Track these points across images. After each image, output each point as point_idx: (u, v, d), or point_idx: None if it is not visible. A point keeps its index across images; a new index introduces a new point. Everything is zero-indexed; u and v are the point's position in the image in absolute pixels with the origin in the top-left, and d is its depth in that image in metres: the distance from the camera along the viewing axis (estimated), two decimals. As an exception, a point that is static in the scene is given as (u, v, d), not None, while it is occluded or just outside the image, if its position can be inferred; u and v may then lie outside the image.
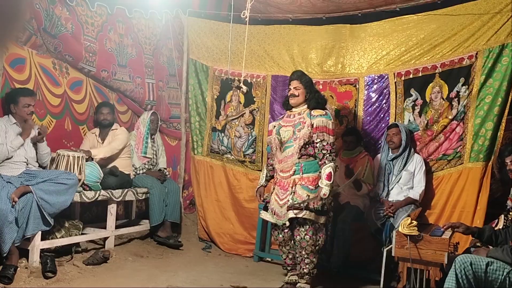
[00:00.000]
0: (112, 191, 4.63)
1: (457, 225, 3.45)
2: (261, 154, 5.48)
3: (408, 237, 3.40)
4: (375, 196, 4.71)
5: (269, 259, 5.14)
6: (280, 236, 4.12)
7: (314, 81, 4.50)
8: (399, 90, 4.87)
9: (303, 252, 3.93)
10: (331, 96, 5.20)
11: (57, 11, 4.44)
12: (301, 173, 3.95)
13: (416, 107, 4.80)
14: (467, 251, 3.34)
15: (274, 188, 4.14)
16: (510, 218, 3.52)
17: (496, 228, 3.45)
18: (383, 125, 4.96)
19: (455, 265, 2.97)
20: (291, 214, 3.87)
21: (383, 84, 4.97)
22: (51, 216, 3.89)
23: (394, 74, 4.90)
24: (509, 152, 3.78)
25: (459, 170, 4.54)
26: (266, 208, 4.18)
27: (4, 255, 3.63)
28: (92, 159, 4.61)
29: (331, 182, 3.85)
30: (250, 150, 5.60)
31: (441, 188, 4.63)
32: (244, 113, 5.67)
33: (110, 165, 4.84)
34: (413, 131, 4.78)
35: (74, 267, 4.09)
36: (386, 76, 4.94)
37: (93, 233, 4.62)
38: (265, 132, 5.38)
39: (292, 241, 4.07)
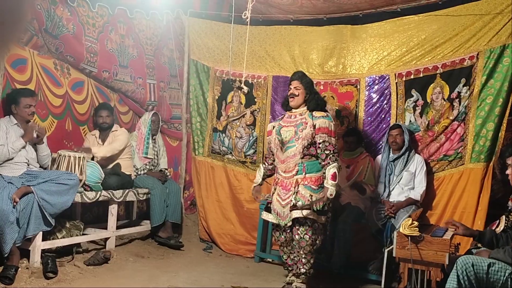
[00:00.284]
0: (113, 191, 4.63)
1: (456, 225, 3.44)
2: (262, 155, 5.48)
3: (409, 237, 3.40)
4: (376, 197, 4.70)
5: (270, 260, 5.14)
6: (282, 237, 4.10)
7: (315, 82, 4.51)
8: (400, 90, 4.87)
9: (301, 252, 3.93)
10: (332, 96, 5.20)
11: (59, 12, 4.45)
12: (304, 173, 3.95)
13: (417, 108, 4.80)
14: (469, 253, 3.34)
15: (275, 189, 4.12)
16: (511, 219, 3.51)
17: (497, 230, 3.44)
18: (384, 125, 4.96)
19: (456, 266, 2.97)
20: (295, 214, 3.87)
21: (384, 85, 4.96)
22: (52, 216, 3.89)
23: (395, 74, 4.90)
24: (510, 153, 3.77)
25: (460, 171, 4.53)
26: (268, 209, 4.16)
27: (5, 255, 3.63)
28: (93, 157, 4.61)
29: (336, 182, 3.87)
30: (251, 151, 5.60)
31: (442, 189, 4.62)
32: (245, 113, 5.67)
33: (111, 166, 4.85)
34: (414, 132, 4.77)
35: (75, 268, 4.09)
36: (387, 77, 4.94)
37: (94, 234, 4.63)
38: (266, 133, 5.38)
39: (293, 242, 4.05)
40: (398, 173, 4.61)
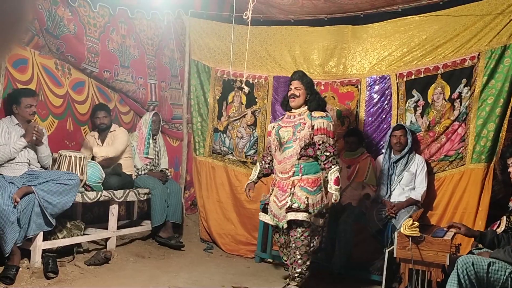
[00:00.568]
0: (114, 191, 4.63)
1: (458, 226, 3.44)
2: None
3: (409, 238, 3.40)
4: (377, 197, 4.70)
5: (271, 260, 5.14)
6: (282, 238, 4.06)
7: (315, 82, 4.51)
8: (401, 91, 4.87)
9: (297, 252, 3.87)
10: (332, 97, 5.20)
11: (60, 12, 4.45)
12: (300, 175, 3.90)
13: (418, 108, 4.80)
14: (470, 254, 3.34)
15: (272, 190, 4.09)
16: (512, 220, 3.51)
17: (498, 230, 3.44)
18: (384, 126, 4.96)
19: (457, 265, 2.97)
20: (290, 216, 3.81)
21: (385, 85, 4.96)
22: (53, 216, 3.89)
23: (396, 75, 4.89)
24: (511, 153, 3.77)
25: (461, 171, 4.53)
26: (265, 210, 4.12)
27: (6, 255, 3.63)
28: (93, 157, 4.61)
29: (339, 186, 3.84)
30: (252, 151, 5.60)
31: (443, 189, 4.62)
32: (246, 114, 5.67)
33: (112, 166, 4.85)
34: (415, 132, 4.77)
35: (75, 268, 4.09)
36: (388, 77, 4.94)
37: (95, 234, 4.63)
38: (267, 133, 5.38)
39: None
40: (399, 174, 4.61)
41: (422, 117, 4.77)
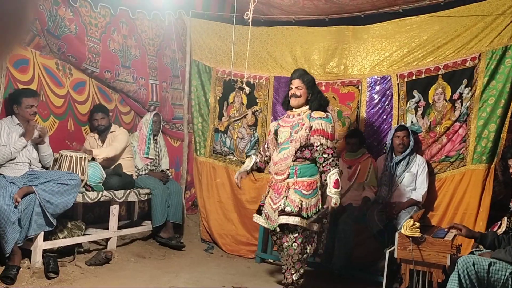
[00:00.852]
0: (115, 192, 4.64)
1: (459, 227, 3.44)
2: (264, 155, 5.48)
3: (410, 238, 3.40)
4: (378, 198, 4.70)
5: (271, 260, 5.14)
6: (279, 241, 3.91)
7: (316, 82, 4.49)
8: (401, 91, 4.87)
9: (290, 260, 3.70)
10: (333, 97, 5.20)
11: (61, 12, 4.45)
12: (295, 177, 3.73)
13: (418, 109, 4.79)
14: (471, 254, 3.33)
15: (268, 191, 3.97)
16: (513, 220, 3.51)
17: (499, 231, 3.44)
18: (385, 126, 4.96)
19: (457, 266, 2.97)
20: (282, 219, 3.66)
21: (386, 86, 4.96)
22: (53, 216, 3.89)
23: (397, 75, 4.89)
24: (512, 154, 3.77)
25: (461, 172, 4.52)
26: (260, 212, 3.99)
27: (7, 255, 3.63)
28: (94, 159, 4.61)
29: (339, 189, 3.64)
30: (253, 152, 5.59)
31: (444, 190, 4.62)
32: (247, 114, 5.67)
33: (113, 166, 4.85)
34: (416, 133, 4.77)
35: (76, 268, 4.09)
36: (389, 78, 4.94)
37: (96, 234, 4.63)
38: (268, 133, 5.38)
39: None
40: (399, 174, 4.60)
41: (423, 117, 4.77)
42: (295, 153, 3.73)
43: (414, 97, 4.81)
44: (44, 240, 3.96)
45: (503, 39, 4.34)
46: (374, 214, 4.45)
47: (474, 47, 4.50)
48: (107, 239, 4.70)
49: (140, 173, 5.26)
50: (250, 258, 5.28)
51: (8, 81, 4.08)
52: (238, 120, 5.72)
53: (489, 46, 4.41)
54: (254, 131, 5.61)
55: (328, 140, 3.71)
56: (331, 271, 4.52)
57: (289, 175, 3.76)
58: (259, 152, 4.19)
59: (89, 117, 4.94)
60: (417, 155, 4.64)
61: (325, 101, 3.97)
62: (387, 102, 4.97)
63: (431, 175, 4.65)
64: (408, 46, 4.84)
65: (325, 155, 3.67)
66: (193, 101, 5.96)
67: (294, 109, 3.95)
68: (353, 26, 5.15)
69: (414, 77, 4.81)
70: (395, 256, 3.51)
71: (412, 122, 4.82)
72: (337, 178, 3.63)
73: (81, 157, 4.25)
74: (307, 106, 3.88)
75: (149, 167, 5.35)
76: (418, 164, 4.58)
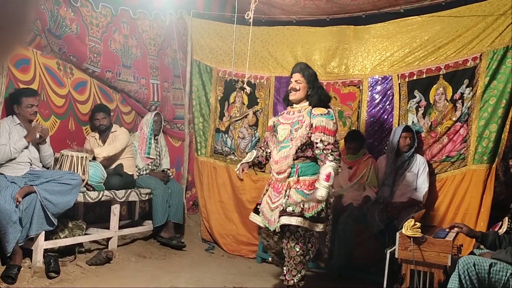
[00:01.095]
0: (116, 191, 4.64)
1: (460, 226, 3.44)
2: (265, 155, 5.48)
3: (411, 239, 3.39)
4: (379, 198, 4.70)
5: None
6: (265, 241, 3.80)
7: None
8: (402, 91, 4.87)
9: (291, 262, 3.55)
10: (334, 97, 5.19)
11: (62, 12, 4.46)
12: (296, 176, 3.58)
13: (419, 109, 4.79)
14: (471, 254, 3.33)
15: (267, 190, 3.81)
16: (514, 221, 3.50)
17: (500, 232, 3.44)
18: (386, 126, 4.95)
19: (458, 266, 2.97)
20: (284, 220, 3.47)
21: (387, 86, 4.96)
22: (54, 216, 3.90)
23: (398, 75, 4.89)
24: (513, 154, 3.77)
25: (462, 172, 4.52)
26: (257, 211, 3.79)
27: (8, 255, 3.64)
28: (95, 158, 4.62)
29: (330, 183, 3.43)
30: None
31: (445, 190, 4.61)
32: (248, 114, 5.67)
33: (113, 165, 4.86)
34: (417, 133, 4.76)
35: (77, 267, 4.10)
36: (390, 78, 4.94)
37: (97, 234, 4.63)
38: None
39: (279, 247, 3.74)
40: (401, 174, 4.60)
41: (424, 117, 4.77)
42: (296, 151, 3.58)
43: (415, 97, 4.81)
44: (45, 239, 3.96)
45: (505, 39, 4.34)
46: (375, 214, 4.45)
47: (475, 47, 4.50)
48: (108, 239, 4.71)
49: (141, 173, 5.26)
50: (251, 258, 5.28)
51: (9, 81, 4.08)
52: (239, 120, 5.72)
53: (490, 46, 4.41)
54: (255, 131, 5.61)
55: (330, 137, 3.52)
56: (331, 271, 4.51)
57: (290, 174, 3.61)
58: (260, 147, 4.00)
59: (91, 116, 4.94)
60: (418, 155, 4.64)
61: (326, 96, 3.74)
62: (388, 102, 4.97)
63: (432, 175, 4.64)
64: (409, 46, 4.84)
65: (326, 151, 3.50)
66: (194, 101, 5.96)
67: (294, 105, 3.78)
68: (354, 26, 5.15)
69: (415, 77, 4.81)
70: (396, 256, 3.50)
71: (413, 122, 4.82)
72: (330, 172, 3.43)
73: (82, 157, 4.25)
74: (307, 102, 3.70)
75: (150, 167, 5.35)
76: (419, 164, 4.58)
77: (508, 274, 2.93)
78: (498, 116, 4.33)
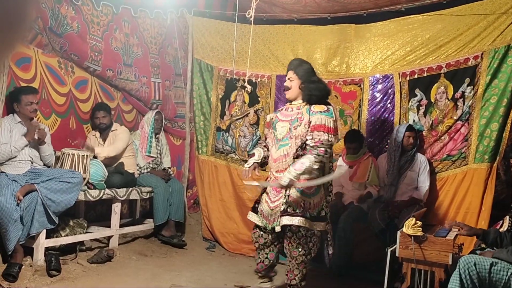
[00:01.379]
0: (117, 190, 4.64)
1: (460, 226, 3.44)
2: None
3: (412, 237, 3.39)
4: (380, 197, 4.70)
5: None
6: (262, 239, 3.64)
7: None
8: (404, 90, 4.86)
9: (293, 262, 3.50)
10: (335, 96, 5.19)
11: (63, 10, 4.46)
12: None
13: (421, 107, 4.79)
14: (473, 253, 3.33)
15: (265, 189, 3.68)
16: (515, 219, 3.50)
17: (501, 230, 3.44)
18: (387, 125, 4.95)
19: (459, 265, 2.97)
20: (285, 220, 3.39)
21: (388, 84, 4.96)
22: (55, 214, 3.90)
23: (399, 74, 4.89)
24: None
25: (463, 171, 4.52)
26: (255, 210, 3.68)
27: (9, 253, 3.65)
28: (96, 157, 4.62)
29: (298, 172, 3.29)
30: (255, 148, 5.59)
31: (446, 189, 4.61)
32: (249, 113, 5.67)
33: (115, 164, 4.86)
34: (418, 132, 4.76)
35: (78, 266, 4.10)
36: (391, 76, 4.94)
37: (98, 232, 4.63)
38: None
39: (273, 245, 3.67)
40: (402, 173, 4.60)
41: (425, 116, 4.76)
42: (296, 150, 3.45)
43: (416, 95, 4.81)
44: (46, 238, 3.96)
45: (506, 37, 4.33)
46: (376, 213, 4.45)
47: (476, 46, 4.50)
48: (109, 237, 4.71)
49: (142, 171, 5.27)
50: (251, 256, 5.27)
51: (11, 79, 4.08)
52: (240, 118, 5.72)
53: (492, 45, 4.41)
54: (256, 130, 5.61)
55: (329, 135, 3.38)
56: (330, 270, 4.51)
57: None
58: (263, 146, 3.80)
59: (91, 115, 4.94)
60: (418, 154, 4.64)
61: (317, 90, 3.51)
62: (389, 101, 4.96)
63: (433, 174, 4.64)
64: (411, 44, 4.83)
65: (312, 144, 3.37)
66: (195, 100, 5.96)
67: (292, 102, 3.65)
68: (356, 25, 5.14)
69: (416, 76, 4.80)
70: (397, 255, 3.50)
71: (414, 120, 4.82)
72: (304, 162, 3.30)
73: (83, 155, 4.25)
74: (301, 99, 3.58)
75: (151, 165, 5.35)
76: (420, 162, 4.58)
77: (509, 274, 2.93)
78: (499, 115, 4.33)
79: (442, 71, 4.68)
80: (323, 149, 3.35)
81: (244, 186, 5.55)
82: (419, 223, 3.45)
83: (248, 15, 4.07)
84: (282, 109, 3.76)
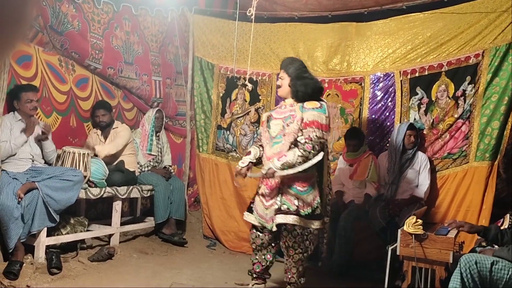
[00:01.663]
0: (117, 188, 4.65)
1: (461, 224, 3.44)
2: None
3: (413, 235, 3.39)
4: (382, 196, 4.69)
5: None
6: (259, 239, 3.62)
7: (319, 80, 4.43)
8: (404, 88, 4.86)
9: (290, 260, 3.51)
10: (336, 94, 5.19)
11: (64, 9, 4.46)
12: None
13: (421, 106, 4.79)
14: (473, 251, 3.33)
15: (259, 187, 3.65)
16: (515, 218, 3.50)
17: (502, 228, 3.43)
18: (388, 123, 4.95)
19: (460, 264, 2.96)
20: (279, 219, 3.38)
21: (389, 83, 4.95)
22: (56, 212, 3.90)
23: (400, 72, 4.89)
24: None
25: (464, 169, 4.52)
26: (250, 210, 3.67)
27: (10, 251, 3.65)
28: (96, 156, 4.62)
29: (281, 163, 3.30)
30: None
31: (446, 187, 4.61)
32: (250, 111, 5.67)
33: (115, 162, 4.86)
34: (419, 130, 4.76)
35: (79, 264, 4.11)
36: (392, 75, 4.93)
37: (98, 230, 4.64)
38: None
39: (270, 246, 3.65)
40: (403, 171, 4.60)
41: (425, 114, 4.76)
42: (289, 147, 3.41)
43: (417, 94, 4.81)
44: (47, 236, 3.96)
45: (507, 36, 4.33)
46: (376, 211, 4.45)
47: (477, 44, 4.49)
48: (110, 235, 4.71)
49: (143, 169, 5.27)
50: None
51: (11, 77, 4.08)
52: (241, 117, 5.72)
53: (493, 43, 4.40)
54: (257, 128, 5.60)
55: (321, 131, 3.38)
56: (331, 269, 4.51)
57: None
58: (259, 145, 3.78)
59: (91, 113, 4.94)
60: (419, 152, 4.63)
61: (305, 86, 3.49)
62: (390, 99, 4.96)
63: (434, 172, 4.64)
64: (412, 43, 4.83)
65: (302, 141, 3.37)
66: (195, 98, 5.96)
67: (286, 99, 3.65)
68: (356, 23, 5.14)
69: (417, 74, 4.80)
70: (398, 253, 3.50)
71: (415, 119, 4.82)
72: (286, 155, 3.33)
73: (84, 153, 4.25)
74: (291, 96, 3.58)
75: (151, 163, 5.35)
76: (420, 160, 4.58)
77: (510, 272, 2.92)
78: (500, 113, 4.33)
79: (443, 69, 4.67)
80: (310, 145, 3.35)
81: (244, 183, 5.54)
82: (420, 221, 3.45)
83: (249, 13, 4.07)
84: (276, 108, 3.78)
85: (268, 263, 3.71)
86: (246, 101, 5.71)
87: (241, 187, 4.08)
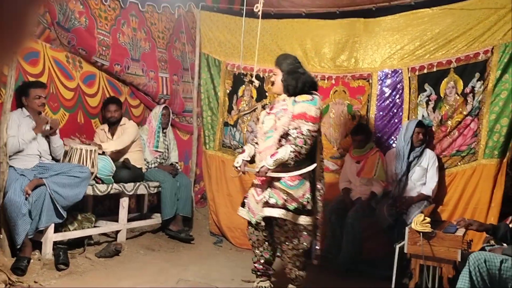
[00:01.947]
0: (124, 184, 4.65)
1: (470, 222, 3.41)
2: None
3: (421, 233, 3.38)
4: (388, 192, 4.67)
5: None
6: (254, 236, 3.65)
7: (326, 76, 4.42)
8: (413, 85, 4.83)
9: (285, 256, 3.55)
10: (344, 91, 5.17)
11: (71, 5, 4.46)
12: (280, 167, 3.41)
13: (430, 103, 4.75)
14: (482, 250, 3.31)
15: (253, 183, 3.71)
16: (525, 216, 3.47)
17: (511, 226, 3.41)
18: (396, 120, 4.92)
19: (469, 262, 2.94)
20: (266, 212, 3.38)
21: (397, 79, 4.92)
22: (64, 208, 3.91)
23: (408, 69, 4.85)
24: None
25: (473, 167, 4.48)
26: (243, 205, 3.72)
27: (18, 247, 3.67)
28: (103, 153, 4.63)
29: (274, 160, 3.33)
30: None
31: (455, 185, 4.58)
32: (256, 107, 5.64)
33: (121, 159, 4.87)
34: (427, 127, 4.73)
35: (86, 260, 4.12)
36: (400, 71, 4.90)
37: (106, 226, 4.65)
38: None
39: (267, 243, 3.66)
40: (411, 169, 4.57)
41: (434, 111, 4.73)
42: (280, 140, 3.43)
43: (425, 90, 4.77)
44: (55, 232, 3.98)
45: (516, 32, 4.29)
46: (384, 209, 4.43)
47: (486, 40, 4.45)
48: (117, 232, 4.73)
49: (150, 166, 5.27)
50: (259, 251, 5.28)
51: (19, 73, 4.09)
52: (247, 113, 5.70)
53: (502, 40, 4.36)
54: (263, 125, 5.59)
55: (309, 123, 3.37)
56: (338, 266, 4.49)
57: None
58: (256, 143, 3.76)
59: (102, 108, 4.95)
60: (427, 149, 4.60)
61: (295, 80, 3.50)
62: (398, 96, 4.93)
63: (442, 169, 4.61)
64: (420, 39, 4.79)
65: (294, 136, 3.37)
66: (202, 95, 5.95)
67: (279, 95, 3.67)
68: (364, 19, 5.10)
69: (425, 71, 4.77)
70: (405, 251, 3.49)
71: (423, 116, 4.78)
72: (277, 152, 3.35)
73: (91, 150, 4.26)
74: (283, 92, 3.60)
75: (158, 160, 5.35)
76: (428, 158, 4.55)
77: (519, 271, 2.90)
78: (510, 110, 4.29)
79: (451, 66, 4.63)
80: (302, 139, 3.36)
81: (251, 180, 5.53)
82: (428, 219, 3.43)
83: (256, 9, 4.05)
84: (272, 105, 3.79)
85: (266, 260, 3.72)
86: (253, 98, 5.69)
87: (237, 176, 4.10)
